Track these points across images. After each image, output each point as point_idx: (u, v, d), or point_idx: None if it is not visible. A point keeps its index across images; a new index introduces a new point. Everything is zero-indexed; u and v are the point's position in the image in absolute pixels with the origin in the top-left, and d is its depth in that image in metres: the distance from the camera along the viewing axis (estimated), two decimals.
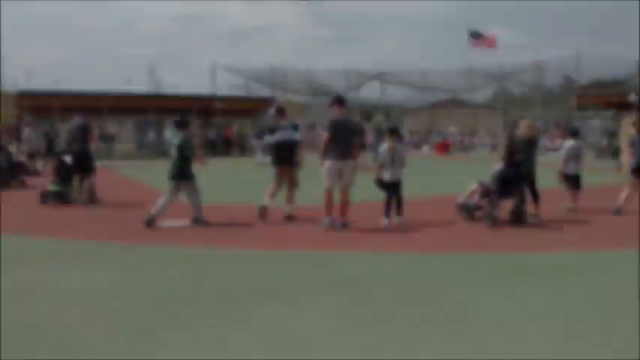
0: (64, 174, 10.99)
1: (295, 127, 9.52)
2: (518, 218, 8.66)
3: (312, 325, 4.39)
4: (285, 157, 9.08)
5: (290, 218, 8.98)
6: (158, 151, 28.99)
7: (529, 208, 9.01)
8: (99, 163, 17.40)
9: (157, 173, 18.55)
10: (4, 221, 9.07)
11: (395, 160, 8.64)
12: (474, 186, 8.99)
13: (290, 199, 9.13)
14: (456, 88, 41.47)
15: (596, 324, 4.44)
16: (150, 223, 8.26)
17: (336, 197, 8.36)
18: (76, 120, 11.37)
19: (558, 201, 10.04)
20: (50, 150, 17.81)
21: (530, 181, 9.05)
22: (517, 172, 8.61)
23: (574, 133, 10.41)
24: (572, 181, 9.94)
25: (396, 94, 44.03)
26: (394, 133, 8.93)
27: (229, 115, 32.39)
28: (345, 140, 8.19)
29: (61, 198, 10.77)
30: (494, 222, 8.37)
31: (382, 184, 8.81)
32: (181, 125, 8.89)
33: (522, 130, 9.27)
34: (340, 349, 3.94)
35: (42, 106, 26.23)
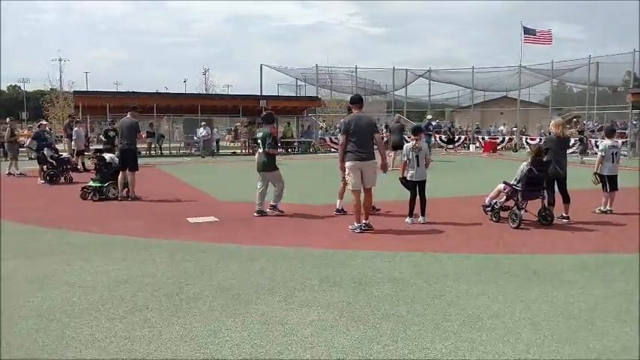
0: (103, 171, 11.44)
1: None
2: (545, 219, 8.47)
3: (303, 321, 4.49)
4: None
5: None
6: (206, 149, 29.73)
7: (561, 209, 8.80)
8: (148, 161, 18.16)
9: (201, 171, 19.22)
10: (43, 215, 9.60)
11: (419, 160, 8.60)
12: (500, 186, 8.82)
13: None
14: (509, 85, 40.50)
15: (595, 327, 4.34)
16: (261, 213, 9.31)
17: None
18: (127, 118, 11.75)
19: (597, 203, 9.75)
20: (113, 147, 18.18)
21: (560, 181, 8.79)
22: (544, 171, 8.40)
23: (610, 133, 10.02)
24: (608, 183, 9.59)
25: (446, 92, 43.53)
26: (418, 132, 8.87)
27: (276, 114, 32.67)
28: (362, 139, 8.07)
29: (100, 194, 11.21)
30: (519, 222, 8.20)
31: (406, 183, 8.79)
32: (266, 120, 9.89)
33: (552, 129, 9.01)
34: (326, 344, 4.02)
35: (95, 105, 27.29)
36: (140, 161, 12.41)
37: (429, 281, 5.60)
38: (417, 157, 8.57)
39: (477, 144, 32.43)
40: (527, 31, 41.74)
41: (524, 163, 8.48)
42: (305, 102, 33.28)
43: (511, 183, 8.56)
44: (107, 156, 11.73)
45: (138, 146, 12.25)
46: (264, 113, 10.70)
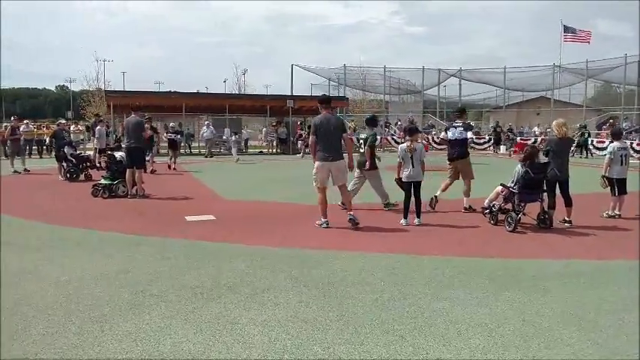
0: (114, 169, 11.70)
1: (468, 127, 10.25)
2: (543, 222, 8.24)
3: (254, 320, 4.49)
4: (457, 154, 9.85)
5: (469, 210, 9.71)
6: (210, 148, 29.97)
7: (563, 212, 8.56)
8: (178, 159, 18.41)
9: (219, 170, 19.44)
10: (48, 211, 9.89)
11: (414, 160, 8.49)
12: (498, 188, 8.62)
13: (467, 193, 9.84)
14: (548, 85, 39.60)
15: (550, 335, 4.20)
16: (388, 205, 9.84)
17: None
18: (132, 117, 12.02)
19: (607, 207, 9.48)
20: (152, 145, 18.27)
21: (562, 184, 8.53)
22: (541, 174, 8.17)
23: (617, 135, 9.66)
24: (617, 186, 9.26)
25: (483, 92, 42.87)
26: (414, 132, 8.76)
27: (303, 114, 32.86)
28: (330, 140, 8.21)
29: (110, 191, 11.46)
30: (515, 226, 8.00)
31: (401, 184, 8.70)
32: (371, 123, 10.48)
33: (554, 130, 8.74)
34: (267, 344, 4.01)
35: (126, 104, 27.87)
36: (164, 160, 12.98)
37: (398, 284, 5.51)
38: (411, 157, 8.46)
39: (508, 145, 31.73)
40: (567, 30, 40.85)
41: (520, 164, 8.26)
42: (333, 102, 33.14)
43: (508, 185, 8.36)
44: (117, 154, 11.98)
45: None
46: (369, 116, 11.33)
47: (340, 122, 8.64)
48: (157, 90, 31.61)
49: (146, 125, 15.91)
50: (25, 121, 29.06)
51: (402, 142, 8.99)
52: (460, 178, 9.96)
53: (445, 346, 4.01)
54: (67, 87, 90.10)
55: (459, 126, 10.03)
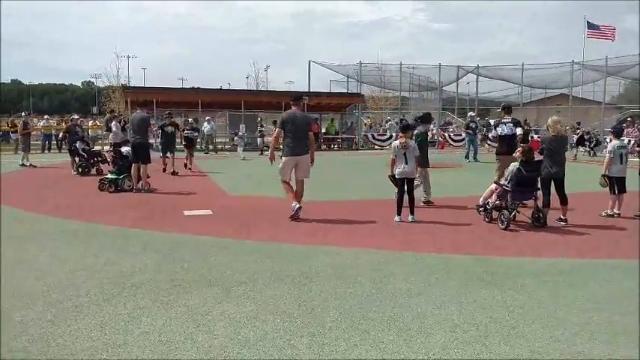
0: (120, 164, 11.93)
1: (517, 123, 10.52)
2: (537, 220, 8.21)
3: (224, 313, 4.60)
4: (506, 148, 10.06)
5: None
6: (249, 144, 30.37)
7: (559, 210, 8.52)
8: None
9: (230, 166, 19.56)
10: (54, 204, 10.14)
11: (407, 157, 8.52)
12: (493, 186, 8.60)
13: None
14: (569, 82, 38.95)
15: (514, 332, 4.22)
16: (428, 202, 10.06)
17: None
18: (138, 112, 12.25)
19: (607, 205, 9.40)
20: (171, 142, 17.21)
21: (557, 182, 8.47)
22: (534, 172, 8.13)
23: (617, 133, 9.54)
24: (617, 185, 9.16)
25: (504, 90, 42.39)
26: (406, 129, 8.78)
27: (319, 110, 32.92)
28: (297, 136, 8.66)
29: (116, 185, 11.70)
30: (507, 223, 7.98)
31: (395, 181, 8.73)
32: (423, 120, 10.62)
33: (549, 128, 8.67)
34: (231, 336, 4.11)
35: (143, 100, 28.25)
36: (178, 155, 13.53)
37: (375, 280, 5.57)
38: (404, 154, 8.49)
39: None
40: (591, 26, 40.17)
41: (515, 163, 8.23)
42: (348, 98, 33.29)
43: (502, 183, 8.33)
44: (124, 149, 12.21)
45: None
46: (422, 114, 11.62)
47: (307, 119, 9.07)
48: (177, 87, 31.84)
49: (166, 121, 16.07)
50: (45, 116, 29.82)
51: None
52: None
53: (405, 341, 4.06)
54: (93, 83, 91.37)
55: (508, 122, 10.37)
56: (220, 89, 34.53)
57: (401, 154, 8.50)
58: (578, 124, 28.24)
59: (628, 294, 5.23)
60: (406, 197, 8.65)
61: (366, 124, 35.16)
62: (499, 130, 10.45)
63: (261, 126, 28.75)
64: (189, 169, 16.66)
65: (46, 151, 25.24)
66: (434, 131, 34.09)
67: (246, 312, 4.62)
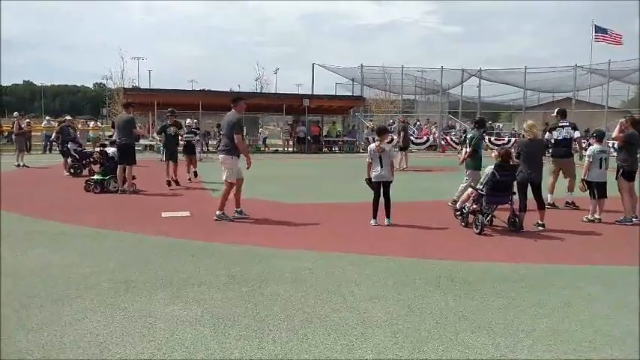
0: (106, 165, 11.97)
1: (574, 126, 10.70)
2: (513, 225, 8.13)
3: (168, 315, 4.58)
4: (562, 152, 10.44)
5: (570, 205, 10.39)
6: (250, 145, 30.49)
7: (536, 215, 8.44)
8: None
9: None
10: (36, 204, 10.18)
11: (382, 160, 8.46)
12: (469, 190, 8.53)
13: (571, 188, 10.45)
14: (578, 86, 38.70)
15: (448, 336, 4.17)
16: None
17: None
18: (123, 114, 12.30)
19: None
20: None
21: (534, 186, 8.39)
22: (509, 176, 8.05)
23: (599, 137, 9.42)
24: (597, 190, 9.05)
25: (511, 93, 42.17)
26: (382, 133, 8.73)
27: (320, 113, 32.94)
28: (224, 136, 9.05)
29: (101, 186, 11.74)
30: (481, 228, 7.91)
31: (370, 184, 8.68)
32: (479, 125, 10.65)
33: (525, 131, 8.60)
34: (167, 338, 4.09)
35: (146, 102, 28.42)
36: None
37: (332, 283, 5.53)
38: (380, 158, 8.44)
39: None
40: (598, 30, 40.01)
41: (490, 166, 8.15)
42: (349, 101, 33.27)
43: (477, 187, 8.26)
44: (109, 150, 12.24)
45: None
46: (478, 118, 11.71)
47: (230, 122, 8.92)
48: (177, 89, 31.91)
49: (168, 121, 13.85)
50: (46, 118, 30.08)
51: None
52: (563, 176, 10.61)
53: (342, 345, 4.01)
54: (104, 84, 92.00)
55: (566, 126, 10.51)
56: (220, 91, 34.44)
57: (377, 158, 8.45)
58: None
59: (584, 300, 5.16)
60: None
61: (368, 126, 35.05)
62: (555, 134, 10.56)
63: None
64: (190, 179, 14.09)
65: (47, 152, 25.44)
66: (436, 134, 34.02)
67: (190, 314, 4.60)
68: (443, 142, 32.89)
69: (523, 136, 8.56)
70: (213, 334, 4.19)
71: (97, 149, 13.47)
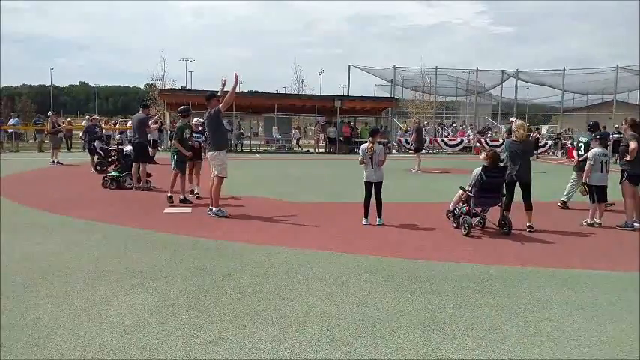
0: (122, 162, 12.46)
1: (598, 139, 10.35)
2: (502, 227, 8.07)
3: (126, 304, 4.81)
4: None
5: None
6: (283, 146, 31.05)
7: (525, 217, 8.36)
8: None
9: (250, 167, 19.94)
10: (50, 199, 10.71)
11: (374, 161, 8.54)
12: (460, 191, 8.50)
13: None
14: (623, 87, 37.47)
15: (412, 335, 4.25)
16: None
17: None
18: (139, 113, 12.77)
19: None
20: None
21: (523, 187, 8.31)
22: (498, 178, 7.99)
23: (601, 141, 9.20)
24: (597, 194, 8.86)
25: (552, 96, 41.21)
26: (375, 134, 8.80)
27: (354, 114, 33.04)
28: (211, 133, 9.27)
29: (117, 183, 12.23)
30: (469, 229, 7.89)
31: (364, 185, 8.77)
32: (593, 127, 10.57)
33: (514, 132, 8.50)
34: (116, 325, 4.32)
35: (181, 102, 29.15)
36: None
37: (291, 279, 5.66)
38: (371, 158, 8.52)
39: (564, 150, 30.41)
40: None
41: (478, 168, 8.12)
42: (381, 103, 33.22)
43: (466, 188, 8.24)
44: (126, 149, 12.73)
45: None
46: (592, 122, 11.39)
47: (208, 117, 9.15)
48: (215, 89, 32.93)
49: (181, 122, 14.18)
50: (86, 117, 31.25)
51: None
52: None
53: (273, 337, 4.14)
54: (155, 84, 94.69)
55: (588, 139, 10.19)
56: (256, 92, 35.04)
57: (368, 158, 8.54)
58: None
59: (540, 302, 5.14)
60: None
61: (401, 128, 34.90)
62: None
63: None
64: (197, 194, 11.40)
65: (86, 150, 26.51)
66: (471, 136, 33.54)
67: (145, 303, 4.83)
68: (478, 145, 32.41)
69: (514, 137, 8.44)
70: (158, 321, 4.40)
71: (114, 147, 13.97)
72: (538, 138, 29.31)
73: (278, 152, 30.73)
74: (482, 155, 8.29)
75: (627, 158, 8.57)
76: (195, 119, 18.81)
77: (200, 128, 13.70)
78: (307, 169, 19.93)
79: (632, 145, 8.50)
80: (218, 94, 9.39)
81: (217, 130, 9.14)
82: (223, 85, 9.32)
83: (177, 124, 10.82)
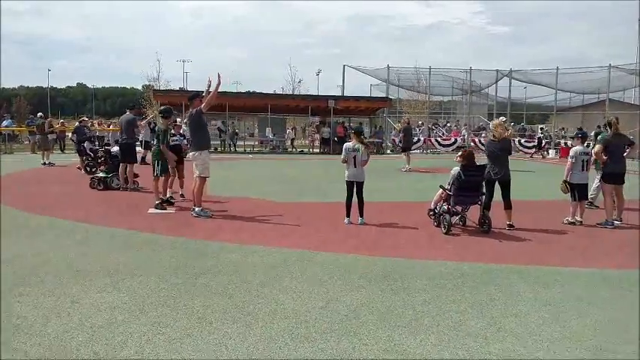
0: (109, 163, 12.50)
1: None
2: (482, 225, 8.12)
3: (100, 302, 4.87)
4: None
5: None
6: (277, 146, 31.10)
7: (504, 215, 8.42)
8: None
9: (240, 167, 19.91)
10: (33, 199, 10.75)
11: (356, 161, 8.59)
12: (440, 190, 8.55)
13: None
14: (616, 87, 37.55)
15: (377, 331, 4.30)
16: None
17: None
18: (127, 114, 12.82)
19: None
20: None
21: (502, 185, 8.37)
22: (476, 176, 8.05)
23: (582, 138, 9.27)
24: (577, 191, 8.92)
25: (547, 95, 41.27)
26: (358, 133, 8.85)
27: (347, 114, 33.09)
28: (192, 134, 9.35)
29: (104, 183, 12.26)
30: (448, 228, 7.94)
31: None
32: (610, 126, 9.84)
33: (492, 131, 8.56)
34: (83, 321, 4.37)
35: (174, 102, 29.20)
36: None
37: (262, 277, 5.71)
38: (354, 158, 8.57)
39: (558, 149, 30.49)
40: None
41: (457, 167, 8.17)
42: (375, 103, 33.27)
43: (445, 187, 8.29)
44: (113, 149, 12.77)
45: None
46: (608, 120, 11.02)
47: (190, 117, 9.29)
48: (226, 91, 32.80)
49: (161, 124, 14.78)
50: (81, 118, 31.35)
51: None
52: None
53: (238, 334, 4.19)
54: (152, 85, 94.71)
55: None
56: (250, 92, 35.12)
57: (351, 157, 8.58)
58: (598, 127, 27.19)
59: (508, 299, 5.19)
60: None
61: (395, 128, 34.93)
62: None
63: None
64: (181, 195, 11.27)
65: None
66: (465, 136, 33.60)
67: (115, 301, 4.88)
68: (472, 144, 32.45)
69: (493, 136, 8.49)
70: (126, 319, 4.45)
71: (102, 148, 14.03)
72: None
73: (272, 152, 30.78)
74: (458, 155, 8.34)
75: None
76: (178, 120, 18.19)
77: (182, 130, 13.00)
78: (299, 169, 20.02)
79: (596, 148, 8.82)
80: (203, 94, 9.43)
81: (199, 130, 9.18)
82: (209, 85, 9.35)
83: (158, 126, 10.22)
